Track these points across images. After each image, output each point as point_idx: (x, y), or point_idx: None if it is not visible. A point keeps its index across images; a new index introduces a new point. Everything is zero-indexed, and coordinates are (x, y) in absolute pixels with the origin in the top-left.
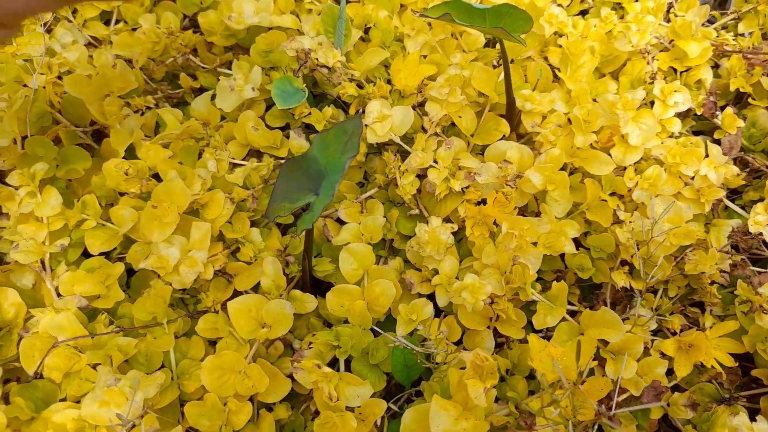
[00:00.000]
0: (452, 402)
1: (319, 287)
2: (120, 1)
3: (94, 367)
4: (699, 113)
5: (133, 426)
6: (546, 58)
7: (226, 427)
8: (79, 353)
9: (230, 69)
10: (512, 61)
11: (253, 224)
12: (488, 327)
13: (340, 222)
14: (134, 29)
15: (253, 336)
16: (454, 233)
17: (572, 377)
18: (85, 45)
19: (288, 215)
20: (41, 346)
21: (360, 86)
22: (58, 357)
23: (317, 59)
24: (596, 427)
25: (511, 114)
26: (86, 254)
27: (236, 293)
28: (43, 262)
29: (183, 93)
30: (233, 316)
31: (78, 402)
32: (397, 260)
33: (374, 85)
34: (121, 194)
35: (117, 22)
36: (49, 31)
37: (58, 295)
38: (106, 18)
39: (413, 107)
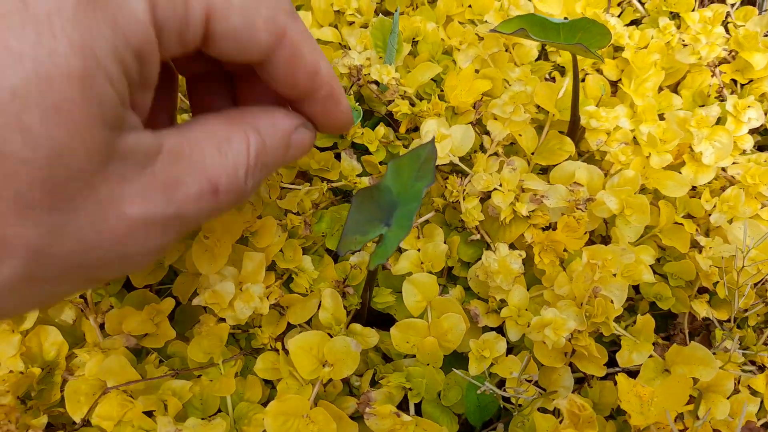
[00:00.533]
0: None
1: (372, 317)
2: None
3: (147, 413)
4: None
5: None
6: (599, 71)
7: None
8: (131, 399)
9: None
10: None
11: (304, 252)
12: (565, 363)
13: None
14: None
15: (314, 376)
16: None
17: (665, 420)
18: None
19: (359, 248)
20: (88, 390)
21: (412, 104)
22: (109, 404)
23: (367, 75)
24: None
25: (574, 131)
26: (127, 286)
27: (289, 327)
28: (84, 297)
29: None
30: (294, 354)
31: None
32: (457, 289)
33: (429, 102)
34: None
35: None
36: None
37: (102, 330)
38: None
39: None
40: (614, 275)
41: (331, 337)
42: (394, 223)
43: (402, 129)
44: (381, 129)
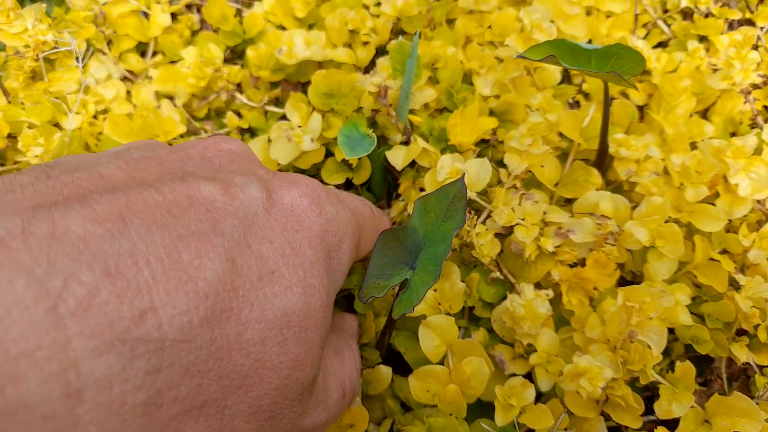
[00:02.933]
0: None
1: (391, 357)
2: None
3: None
4: None
5: None
6: (625, 95)
7: None
8: None
9: (278, 106)
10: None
11: None
12: (598, 413)
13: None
14: (173, 62)
15: None
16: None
17: None
18: (120, 79)
19: (382, 295)
20: None
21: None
22: None
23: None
24: None
25: (601, 161)
26: None
27: None
28: None
29: (228, 133)
30: None
31: None
32: (480, 332)
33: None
34: None
35: (154, 54)
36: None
37: None
38: (141, 49)
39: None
40: (651, 318)
41: None
42: (419, 266)
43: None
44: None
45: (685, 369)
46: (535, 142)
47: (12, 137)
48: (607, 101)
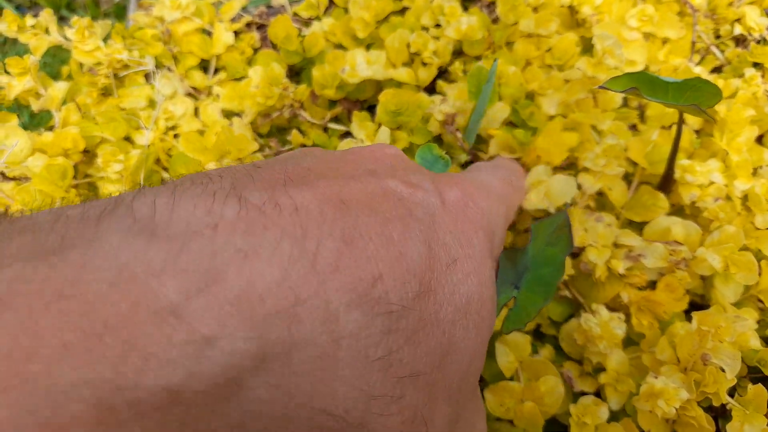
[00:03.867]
0: None
1: None
2: None
3: None
4: None
5: None
6: (682, 119)
7: None
8: None
9: (338, 123)
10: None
11: None
12: None
13: None
14: (236, 79)
15: None
16: None
17: None
18: (185, 95)
19: (497, 312)
20: None
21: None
22: None
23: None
24: None
25: (665, 185)
26: None
27: None
28: None
29: (291, 150)
30: None
31: None
32: (547, 348)
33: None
34: None
35: (216, 71)
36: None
37: None
38: (203, 66)
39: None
40: (721, 342)
41: None
42: (524, 287)
43: None
44: None
45: (757, 392)
46: (609, 163)
47: (85, 152)
48: (680, 131)
